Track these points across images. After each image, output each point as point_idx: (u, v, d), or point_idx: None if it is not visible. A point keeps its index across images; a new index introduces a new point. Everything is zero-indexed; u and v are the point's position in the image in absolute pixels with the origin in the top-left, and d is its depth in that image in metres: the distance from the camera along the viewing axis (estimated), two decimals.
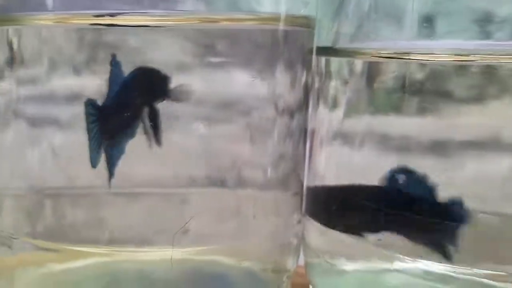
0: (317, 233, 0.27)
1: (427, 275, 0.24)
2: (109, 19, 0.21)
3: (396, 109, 0.24)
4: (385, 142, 0.24)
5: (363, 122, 0.24)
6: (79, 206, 0.23)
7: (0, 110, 0.23)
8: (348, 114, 0.25)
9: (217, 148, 0.23)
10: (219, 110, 0.23)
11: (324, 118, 0.26)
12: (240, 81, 0.23)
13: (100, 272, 0.24)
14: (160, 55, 0.22)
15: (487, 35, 0.22)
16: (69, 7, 0.22)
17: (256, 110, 0.23)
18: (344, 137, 0.25)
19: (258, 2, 0.24)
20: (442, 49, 0.23)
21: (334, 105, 0.26)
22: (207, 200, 0.24)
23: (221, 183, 0.23)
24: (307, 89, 0.26)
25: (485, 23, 0.22)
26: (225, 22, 0.22)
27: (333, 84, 0.26)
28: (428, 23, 0.23)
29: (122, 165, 0.22)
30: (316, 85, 0.27)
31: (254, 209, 0.24)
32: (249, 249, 0.25)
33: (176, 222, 0.23)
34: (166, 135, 0.22)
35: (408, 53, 0.23)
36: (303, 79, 0.25)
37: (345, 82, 0.25)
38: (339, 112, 0.25)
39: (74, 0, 0.22)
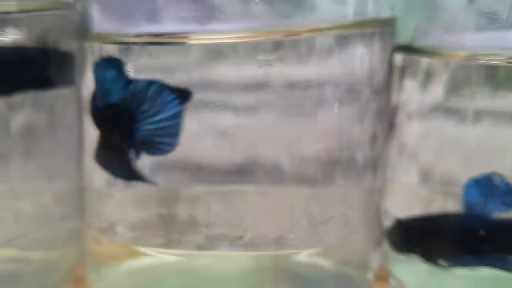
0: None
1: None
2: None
3: None
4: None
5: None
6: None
7: None
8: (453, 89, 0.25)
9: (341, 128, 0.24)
10: (346, 92, 0.24)
11: (414, 93, 0.26)
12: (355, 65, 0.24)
13: (188, 271, 0.24)
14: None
15: None
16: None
17: (363, 92, 0.24)
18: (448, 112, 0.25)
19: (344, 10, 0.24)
20: None
21: (429, 79, 0.25)
22: (304, 201, 0.23)
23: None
24: (391, 68, 0.26)
25: None
26: (306, 34, 0.22)
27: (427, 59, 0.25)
28: None
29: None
30: (401, 62, 0.26)
31: (347, 206, 0.24)
32: (344, 249, 0.25)
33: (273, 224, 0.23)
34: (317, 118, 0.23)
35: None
36: (388, 58, 0.25)
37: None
38: (438, 86, 0.25)
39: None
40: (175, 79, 0.22)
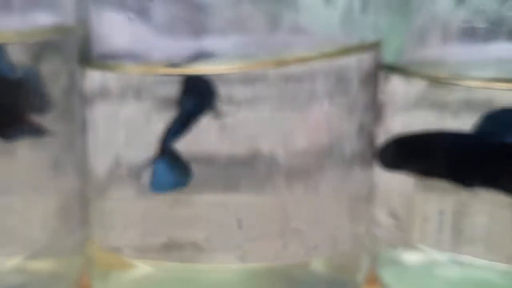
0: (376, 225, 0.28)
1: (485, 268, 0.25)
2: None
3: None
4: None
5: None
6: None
7: None
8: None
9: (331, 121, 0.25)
10: (336, 86, 0.24)
11: (399, 88, 0.27)
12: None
13: (188, 279, 0.25)
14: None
15: None
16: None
17: (352, 84, 0.25)
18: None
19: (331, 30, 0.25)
20: None
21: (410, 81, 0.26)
22: (297, 209, 0.24)
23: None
24: (377, 68, 0.26)
25: None
26: (296, 63, 0.23)
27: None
28: None
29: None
30: None
31: (337, 210, 0.25)
32: (335, 254, 0.26)
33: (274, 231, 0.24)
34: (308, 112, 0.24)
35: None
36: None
37: None
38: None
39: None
40: None
